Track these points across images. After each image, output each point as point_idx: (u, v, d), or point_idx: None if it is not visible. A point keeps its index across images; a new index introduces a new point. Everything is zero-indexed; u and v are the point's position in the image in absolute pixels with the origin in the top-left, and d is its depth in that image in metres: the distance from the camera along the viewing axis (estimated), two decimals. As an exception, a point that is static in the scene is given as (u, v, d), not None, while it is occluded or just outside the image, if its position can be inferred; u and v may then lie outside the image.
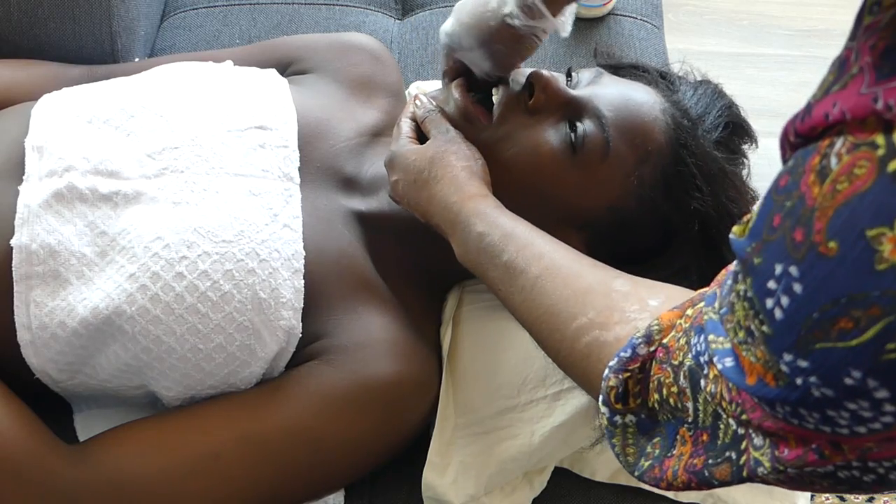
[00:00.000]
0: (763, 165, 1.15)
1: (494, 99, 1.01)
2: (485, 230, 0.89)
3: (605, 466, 1.05)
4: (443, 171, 0.95)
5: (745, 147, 1.07)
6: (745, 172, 1.07)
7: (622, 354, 0.71)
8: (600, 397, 0.72)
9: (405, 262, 1.06)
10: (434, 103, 1.02)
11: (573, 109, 0.99)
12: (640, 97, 1.00)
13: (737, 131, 1.05)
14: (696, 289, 0.97)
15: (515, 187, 0.96)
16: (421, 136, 1.01)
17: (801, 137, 0.55)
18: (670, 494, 1.05)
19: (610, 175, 0.98)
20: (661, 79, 1.07)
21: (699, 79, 1.10)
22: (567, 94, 0.99)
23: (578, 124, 0.98)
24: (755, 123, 1.09)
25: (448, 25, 1.01)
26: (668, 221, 0.99)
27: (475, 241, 0.90)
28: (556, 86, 0.99)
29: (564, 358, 0.80)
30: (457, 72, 1.03)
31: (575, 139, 0.97)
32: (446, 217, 0.93)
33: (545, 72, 0.99)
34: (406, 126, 1.02)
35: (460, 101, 1.00)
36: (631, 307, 0.76)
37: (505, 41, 0.97)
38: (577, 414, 1.01)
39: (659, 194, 0.98)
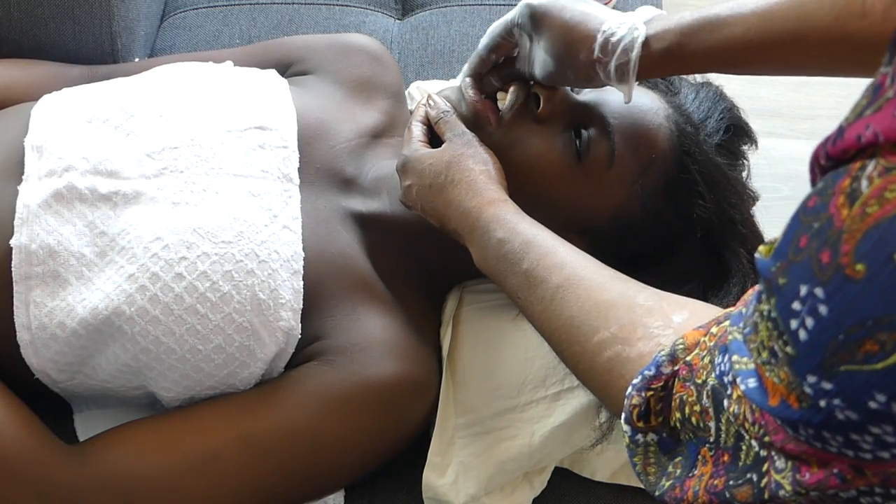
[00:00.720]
0: (763, 166, 1.15)
1: (500, 104, 1.02)
2: (505, 236, 0.89)
3: (605, 466, 1.05)
4: (460, 175, 0.94)
5: (745, 148, 1.07)
6: (744, 173, 1.07)
7: (646, 372, 0.70)
8: (623, 415, 0.71)
9: (405, 262, 1.06)
10: (448, 104, 1.01)
11: (579, 116, 0.99)
12: (645, 104, 1.01)
13: (738, 133, 1.05)
14: (697, 295, 0.97)
15: (520, 192, 0.96)
16: (433, 140, 1.01)
17: (832, 160, 0.54)
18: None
19: (614, 182, 0.98)
20: (661, 79, 1.08)
21: (699, 80, 1.10)
22: (573, 101, 1.00)
23: (584, 132, 0.98)
24: (755, 123, 1.09)
25: (538, 5, 0.95)
26: (670, 228, 1.00)
27: (495, 248, 0.89)
28: (562, 94, 0.99)
29: (584, 371, 0.79)
30: (506, 50, 1.00)
31: (580, 146, 0.97)
32: (464, 222, 0.92)
33: None
34: (417, 129, 1.01)
35: (473, 101, 1.00)
36: (655, 323, 0.75)
37: (578, 75, 0.95)
38: (577, 414, 1.01)
39: (662, 201, 0.99)
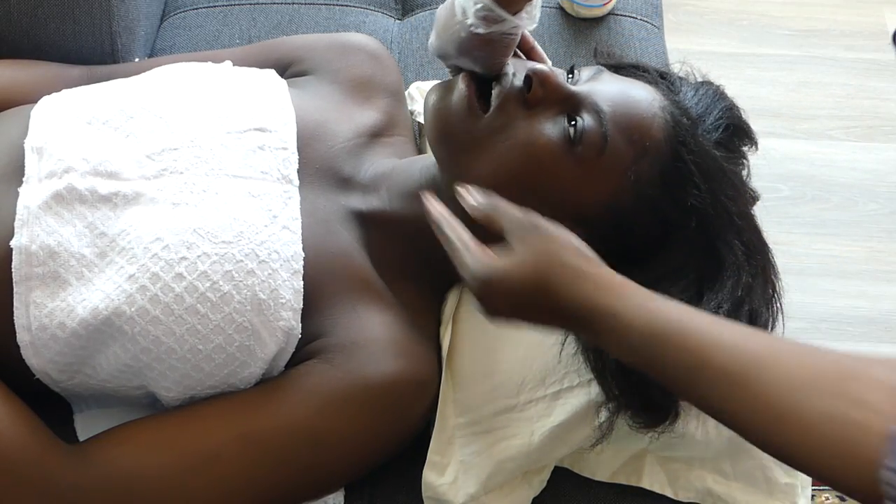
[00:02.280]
0: (763, 166, 1.15)
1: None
2: (650, 324, 0.78)
3: (605, 466, 1.05)
4: (563, 274, 0.82)
5: (745, 149, 1.07)
6: (744, 173, 1.07)
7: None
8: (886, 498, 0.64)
9: (405, 260, 1.06)
10: (483, 195, 0.90)
11: (571, 104, 0.99)
12: (640, 94, 1.00)
13: (737, 133, 1.05)
14: (693, 290, 0.97)
15: (512, 181, 0.96)
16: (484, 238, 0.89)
17: None
18: (669, 494, 1.05)
19: (607, 169, 0.98)
20: (662, 79, 1.08)
21: (700, 80, 1.10)
22: (566, 88, 0.99)
23: (577, 118, 0.98)
24: (755, 123, 1.09)
25: (431, 38, 1.03)
26: (665, 218, 0.99)
27: (643, 339, 0.78)
28: (554, 80, 0.99)
29: (805, 456, 0.71)
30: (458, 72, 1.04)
31: (573, 133, 0.97)
32: (591, 319, 0.81)
33: (544, 66, 0.99)
34: (465, 235, 0.87)
35: (465, 90, 1.00)
36: (873, 393, 0.68)
37: (481, 47, 0.98)
38: (576, 413, 1.01)
39: (656, 190, 0.98)
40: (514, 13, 0.95)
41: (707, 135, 1.01)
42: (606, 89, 1.00)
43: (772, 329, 1.00)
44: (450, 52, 1.01)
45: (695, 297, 0.96)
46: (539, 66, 0.99)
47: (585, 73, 1.03)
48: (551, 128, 0.98)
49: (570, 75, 1.03)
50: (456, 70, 1.04)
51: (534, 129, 0.97)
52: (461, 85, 1.00)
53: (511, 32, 0.97)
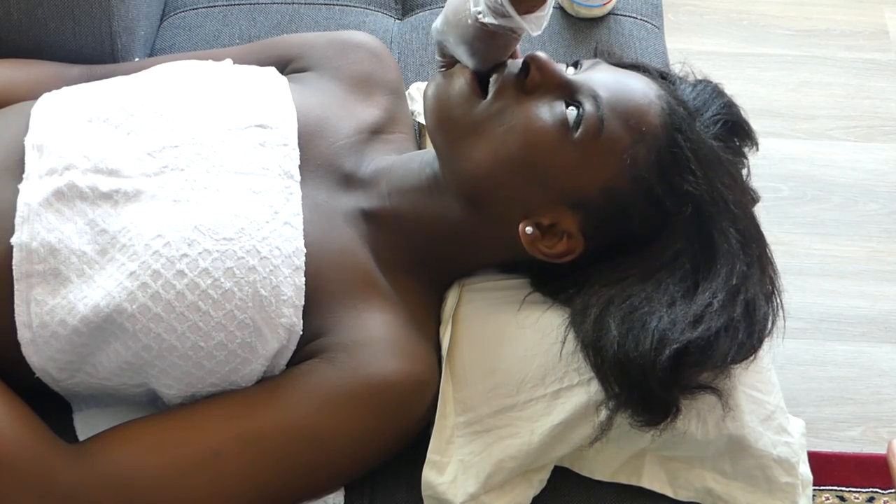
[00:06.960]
0: (763, 166, 1.15)
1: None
2: None
3: (604, 466, 1.05)
4: None
5: (745, 148, 1.07)
6: (744, 173, 1.07)
7: None
8: None
9: (406, 257, 1.06)
10: None
11: (568, 90, 1.00)
12: (636, 82, 1.02)
13: (736, 130, 1.06)
14: (689, 279, 0.96)
15: (509, 165, 0.97)
16: None
17: None
18: (669, 493, 1.05)
19: (604, 153, 0.98)
20: (662, 79, 1.08)
21: (697, 77, 1.11)
22: (562, 75, 1.01)
23: (573, 102, 0.99)
24: (755, 123, 1.09)
25: (437, 22, 1.03)
26: (661, 204, 0.99)
27: None
28: (552, 66, 1.00)
29: None
30: (450, 66, 1.04)
31: (570, 117, 0.98)
32: None
33: (541, 54, 1.00)
34: None
35: (467, 76, 1.01)
36: None
37: (482, 39, 0.99)
38: (576, 412, 1.01)
39: (653, 175, 0.99)
40: (523, 13, 0.95)
41: (705, 129, 1.02)
42: (603, 77, 1.01)
43: (772, 326, 1.01)
44: (451, 39, 1.01)
45: (691, 288, 0.96)
46: (537, 53, 1.00)
47: (584, 65, 1.04)
48: (548, 112, 0.99)
49: (574, 69, 1.04)
50: (446, 65, 1.05)
51: (531, 114, 0.98)
52: (461, 72, 1.01)
53: (515, 31, 0.98)
